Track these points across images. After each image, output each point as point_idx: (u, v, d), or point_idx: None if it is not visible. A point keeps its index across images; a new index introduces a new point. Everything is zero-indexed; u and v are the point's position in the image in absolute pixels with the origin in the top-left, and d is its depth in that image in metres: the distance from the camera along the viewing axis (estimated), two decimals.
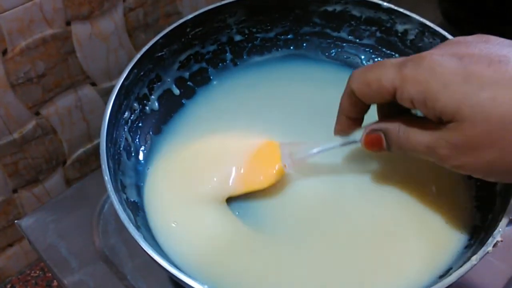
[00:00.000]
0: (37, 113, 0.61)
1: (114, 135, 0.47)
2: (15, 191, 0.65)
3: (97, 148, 0.70)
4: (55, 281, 0.71)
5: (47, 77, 0.59)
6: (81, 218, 0.54)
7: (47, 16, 0.55)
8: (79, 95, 0.63)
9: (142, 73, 0.51)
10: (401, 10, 0.54)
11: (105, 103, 0.65)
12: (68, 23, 0.57)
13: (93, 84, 0.64)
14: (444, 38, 0.51)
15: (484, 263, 0.46)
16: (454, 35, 0.51)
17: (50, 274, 0.72)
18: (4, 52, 0.54)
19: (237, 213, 0.47)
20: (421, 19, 0.53)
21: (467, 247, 0.43)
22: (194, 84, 0.56)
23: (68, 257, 0.52)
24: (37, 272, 0.73)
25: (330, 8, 0.57)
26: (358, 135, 0.43)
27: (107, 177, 0.42)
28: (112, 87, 0.47)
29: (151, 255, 0.38)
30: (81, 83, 0.62)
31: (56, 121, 0.63)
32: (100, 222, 0.54)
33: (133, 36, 0.64)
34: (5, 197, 0.64)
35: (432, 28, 0.52)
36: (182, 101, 0.55)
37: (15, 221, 0.56)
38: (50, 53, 0.58)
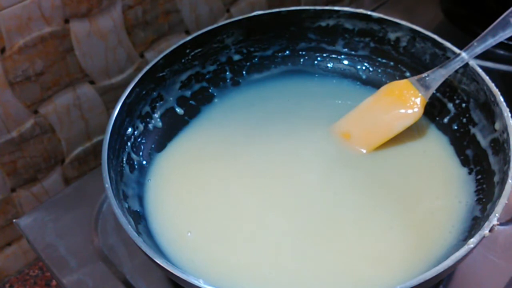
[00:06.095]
0: (36, 112, 0.61)
1: (117, 148, 0.48)
2: (13, 190, 0.64)
3: (96, 146, 0.69)
4: (54, 280, 0.71)
5: (46, 75, 0.59)
6: (80, 217, 0.54)
7: (46, 13, 0.55)
8: (77, 93, 0.63)
9: (144, 92, 0.52)
10: (391, 19, 0.55)
11: (104, 101, 0.65)
12: (66, 21, 0.57)
13: (92, 82, 0.63)
14: (434, 42, 0.52)
15: (486, 262, 0.46)
16: (454, 32, 0.51)
17: (49, 274, 0.71)
18: (2, 50, 0.54)
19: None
20: (411, 25, 0.54)
21: (466, 238, 0.43)
22: (196, 103, 0.58)
23: (66, 256, 0.51)
24: (36, 271, 0.73)
25: (323, 23, 0.58)
26: None
27: (107, 185, 0.42)
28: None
29: (146, 251, 0.38)
30: (79, 82, 0.62)
31: (55, 119, 0.63)
32: (99, 221, 0.54)
33: (132, 34, 0.64)
34: (3, 196, 0.64)
35: (422, 33, 0.53)
36: (186, 118, 0.56)
37: (14, 220, 0.55)
38: (48, 51, 0.57)
